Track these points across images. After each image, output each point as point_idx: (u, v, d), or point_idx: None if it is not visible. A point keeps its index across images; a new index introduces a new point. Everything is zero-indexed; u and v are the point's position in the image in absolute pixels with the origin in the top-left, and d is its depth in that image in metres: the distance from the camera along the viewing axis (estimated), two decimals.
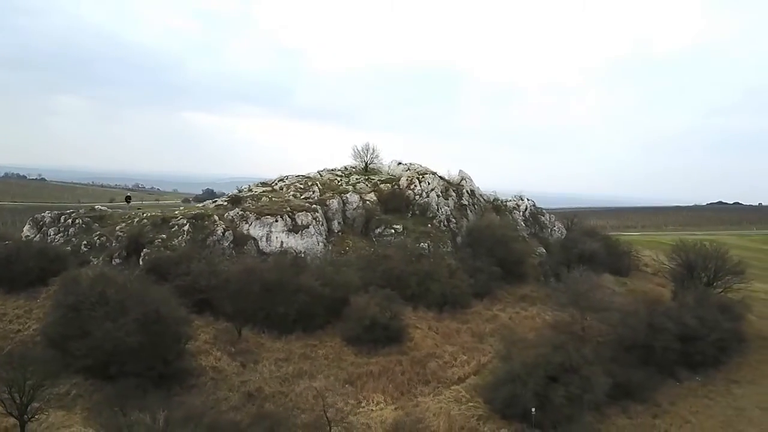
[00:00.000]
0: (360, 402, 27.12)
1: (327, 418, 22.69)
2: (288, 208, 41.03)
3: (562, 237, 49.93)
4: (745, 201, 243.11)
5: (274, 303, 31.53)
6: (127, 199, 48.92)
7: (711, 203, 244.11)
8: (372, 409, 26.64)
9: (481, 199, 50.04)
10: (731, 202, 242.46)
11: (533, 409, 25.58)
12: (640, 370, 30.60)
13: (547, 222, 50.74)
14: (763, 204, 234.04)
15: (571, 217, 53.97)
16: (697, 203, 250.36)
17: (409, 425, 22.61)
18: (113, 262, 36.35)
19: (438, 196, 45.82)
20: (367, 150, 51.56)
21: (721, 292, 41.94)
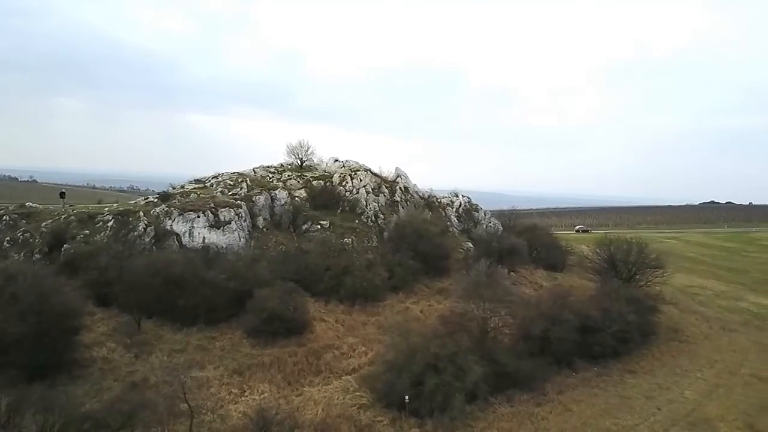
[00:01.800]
0: (244, 391, 27.65)
1: (189, 405, 23.25)
2: (212, 204, 41.62)
3: (498, 233, 50.43)
4: (737, 200, 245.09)
5: (175, 296, 32.14)
6: (61, 195, 49.46)
7: (703, 203, 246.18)
8: (255, 398, 27.10)
9: (416, 196, 50.56)
10: (723, 202, 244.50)
11: (407, 397, 26.21)
12: (534, 361, 31.14)
13: (482, 218, 51.25)
14: (753, 203, 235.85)
15: (509, 214, 54.46)
16: (690, 202, 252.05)
17: (268, 411, 23.03)
18: (34, 258, 37.11)
19: (368, 192, 46.37)
20: (302, 147, 52.28)
21: (642, 285, 42.53)
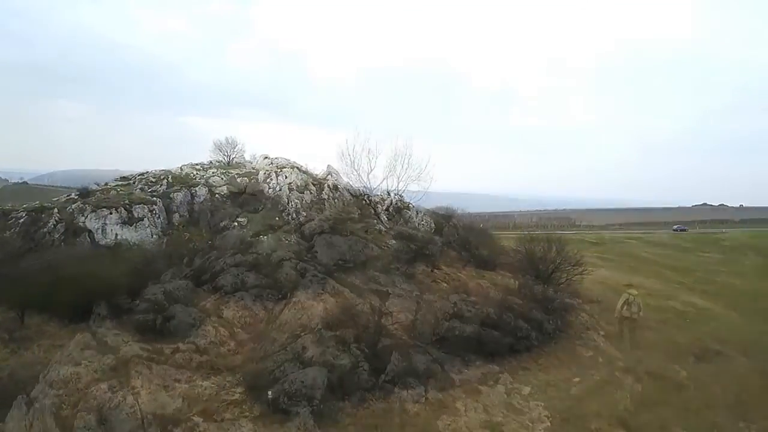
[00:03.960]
0: (114, 388, 27.31)
1: (29, 396, 22.95)
2: (127, 201, 41.42)
3: (431, 231, 50.11)
4: (729, 203, 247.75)
5: (63, 292, 31.87)
6: None
7: (696, 205, 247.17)
8: (123, 394, 26.80)
9: (346, 194, 50.17)
10: (716, 204, 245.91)
11: (269, 393, 25.92)
12: (422, 357, 30.79)
13: (414, 217, 50.91)
14: (744, 205, 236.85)
15: (443, 213, 54.14)
16: (682, 205, 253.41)
17: (110, 408, 22.74)
18: None
19: (291, 190, 46.03)
20: (230, 144, 52.13)
21: (562, 283, 42.17)
